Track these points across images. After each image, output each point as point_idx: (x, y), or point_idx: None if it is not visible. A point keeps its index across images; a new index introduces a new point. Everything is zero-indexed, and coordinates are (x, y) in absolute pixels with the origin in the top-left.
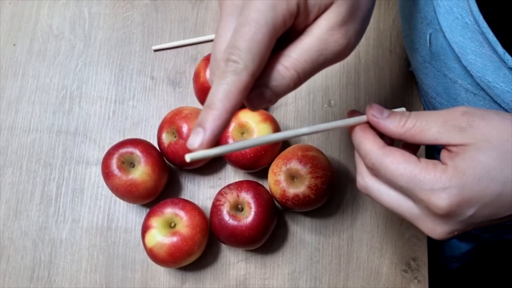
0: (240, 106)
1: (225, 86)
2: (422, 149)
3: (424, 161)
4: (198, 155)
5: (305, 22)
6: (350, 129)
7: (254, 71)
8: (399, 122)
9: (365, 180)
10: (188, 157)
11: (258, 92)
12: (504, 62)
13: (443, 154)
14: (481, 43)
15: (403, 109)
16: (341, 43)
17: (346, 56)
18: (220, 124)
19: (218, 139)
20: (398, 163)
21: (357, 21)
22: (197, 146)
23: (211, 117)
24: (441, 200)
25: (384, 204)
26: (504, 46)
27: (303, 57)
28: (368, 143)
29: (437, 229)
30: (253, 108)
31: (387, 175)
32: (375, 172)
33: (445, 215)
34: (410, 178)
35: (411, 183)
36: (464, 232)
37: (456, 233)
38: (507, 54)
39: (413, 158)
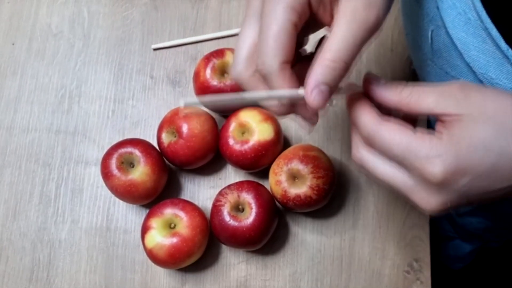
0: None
1: (276, 84)
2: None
3: (419, 130)
4: (191, 101)
5: (323, 8)
6: (347, 101)
7: (283, 61)
8: (395, 90)
9: (360, 151)
10: (182, 102)
11: (318, 91)
12: (508, 58)
13: (438, 125)
14: (484, 39)
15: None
16: (371, 19)
17: (380, 27)
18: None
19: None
20: (394, 133)
21: None
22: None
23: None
24: (436, 167)
25: (379, 176)
26: (507, 42)
27: (343, 46)
28: (363, 113)
29: (431, 200)
30: (318, 105)
31: (383, 144)
32: (371, 142)
33: (440, 183)
34: (405, 146)
35: (407, 152)
36: (458, 206)
37: (449, 205)
38: (510, 50)
39: (409, 127)
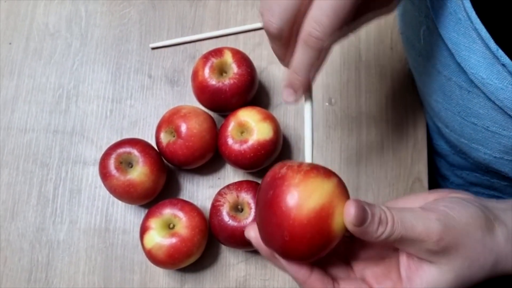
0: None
1: (307, 59)
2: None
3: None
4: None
5: None
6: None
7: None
8: (377, 233)
9: None
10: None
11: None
12: (497, 58)
13: (404, 261)
14: (474, 39)
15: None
16: None
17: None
18: (305, 86)
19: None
20: None
21: None
22: (292, 101)
23: (298, 82)
24: None
25: None
26: (497, 42)
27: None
28: None
29: None
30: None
31: None
32: None
33: None
34: None
35: None
36: None
37: None
38: (500, 50)
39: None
